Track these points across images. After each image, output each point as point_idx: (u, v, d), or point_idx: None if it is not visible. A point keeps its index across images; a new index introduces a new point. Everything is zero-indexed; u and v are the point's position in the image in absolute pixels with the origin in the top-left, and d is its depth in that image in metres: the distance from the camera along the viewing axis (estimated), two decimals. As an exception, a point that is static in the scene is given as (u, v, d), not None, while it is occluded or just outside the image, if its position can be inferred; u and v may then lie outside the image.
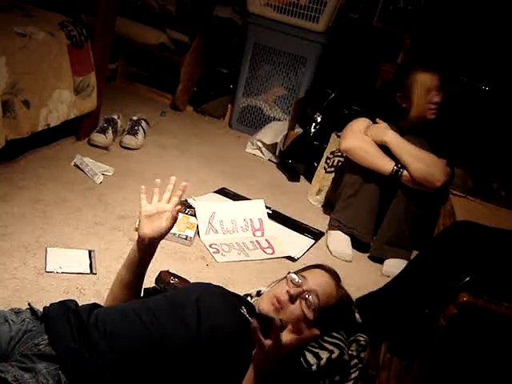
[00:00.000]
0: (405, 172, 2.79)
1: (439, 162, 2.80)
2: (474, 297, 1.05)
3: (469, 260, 1.15)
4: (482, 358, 1.07)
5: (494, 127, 3.63)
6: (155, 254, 2.44)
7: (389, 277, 2.79)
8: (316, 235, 3.02)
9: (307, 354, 1.83)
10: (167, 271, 2.30)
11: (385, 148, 2.85)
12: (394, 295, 1.34)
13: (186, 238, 2.60)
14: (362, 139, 2.88)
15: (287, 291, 1.72)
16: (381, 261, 2.92)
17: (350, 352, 1.92)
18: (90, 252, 2.33)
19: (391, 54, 4.06)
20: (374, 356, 1.59)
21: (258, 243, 2.78)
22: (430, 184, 2.77)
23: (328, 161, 3.44)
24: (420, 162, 2.77)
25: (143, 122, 3.64)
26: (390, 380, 1.35)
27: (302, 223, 3.11)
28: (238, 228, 2.83)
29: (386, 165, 2.82)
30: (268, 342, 1.33)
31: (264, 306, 1.72)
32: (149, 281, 2.12)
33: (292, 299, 1.71)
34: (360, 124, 2.97)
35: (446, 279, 1.13)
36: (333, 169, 3.35)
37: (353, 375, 1.87)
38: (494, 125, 3.65)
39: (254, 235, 2.84)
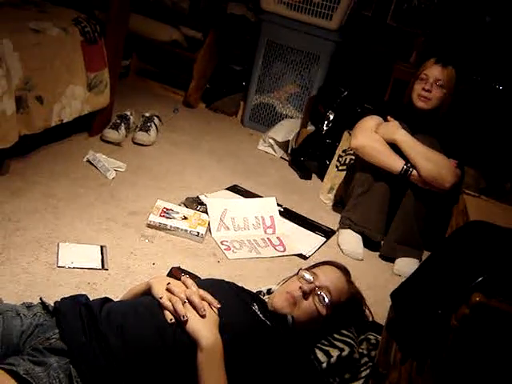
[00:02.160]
0: (414, 171, 2.77)
1: (449, 164, 2.78)
2: (486, 297, 1.04)
3: (482, 260, 1.14)
4: (495, 358, 1.06)
5: (507, 127, 3.61)
6: (167, 250, 2.46)
7: (400, 276, 2.79)
8: (327, 233, 3.02)
9: (317, 351, 1.83)
10: (178, 268, 2.30)
11: (395, 146, 2.84)
12: (407, 295, 1.34)
13: (197, 235, 2.60)
14: (373, 137, 2.87)
15: (300, 287, 1.73)
16: (392, 260, 2.91)
17: (360, 350, 1.92)
18: (101, 247, 2.34)
19: (404, 53, 4.05)
20: (385, 355, 1.59)
21: (270, 241, 2.78)
22: (439, 185, 2.76)
23: (340, 159, 3.44)
24: (430, 163, 2.75)
25: (156, 118, 3.65)
26: (400, 379, 1.35)
27: (313, 221, 3.10)
28: (249, 225, 2.83)
29: (396, 163, 2.81)
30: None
31: (277, 302, 1.73)
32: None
33: (305, 295, 1.72)
34: (370, 122, 2.96)
35: (458, 279, 1.12)
36: (345, 167, 3.35)
37: (363, 373, 1.87)
38: (507, 125, 3.63)
39: (266, 233, 2.84)
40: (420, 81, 2.90)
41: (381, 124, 2.93)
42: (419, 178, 2.77)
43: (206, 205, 2.83)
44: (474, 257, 1.17)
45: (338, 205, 3.34)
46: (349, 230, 2.96)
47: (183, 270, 2.30)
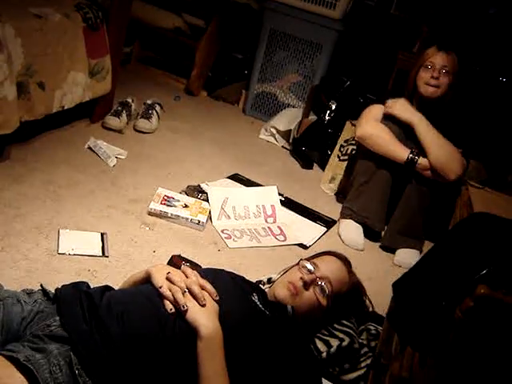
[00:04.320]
0: (420, 160, 2.76)
1: (459, 155, 2.76)
2: (491, 289, 1.04)
3: (486, 252, 1.14)
4: (499, 351, 1.06)
5: (510, 119, 3.60)
6: (167, 238, 2.46)
7: (400, 266, 2.79)
8: (328, 223, 3.01)
9: (317, 341, 1.84)
10: (179, 256, 2.30)
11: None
12: (410, 286, 1.34)
13: (198, 223, 2.60)
14: (378, 127, 2.86)
15: (301, 278, 1.73)
16: (392, 250, 2.91)
17: (360, 341, 1.92)
18: (102, 235, 2.34)
19: (408, 43, 4.02)
20: (386, 346, 1.59)
21: (270, 230, 2.78)
22: (445, 175, 2.74)
23: (342, 149, 3.43)
24: (441, 150, 2.73)
25: (157, 105, 3.63)
26: (402, 370, 1.35)
27: (314, 211, 3.10)
28: (250, 214, 2.83)
29: (402, 152, 2.80)
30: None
31: (280, 292, 1.72)
32: (160, 265, 2.12)
33: (306, 286, 1.72)
34: (375, 111, 2.95)
35: (463, 271, 1.12)
36: (346, 157, 3.34)
37: (363, 364, 1.88)
38: (509, 117, 3.61)
39: (266, 222, 2.84)
40: (426, 69, 2.88)
41: (393, 102, 2.90)
42: (426, 167, 2.76)
43: (206, 193, 2.83)
44: (478, 249, 1.17)
45: (339, 195, 3.34)
46: (349, 220, 2.96)
47: (184, 258, 2.30)
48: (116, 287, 1.70)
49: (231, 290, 1.63)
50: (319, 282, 1.73)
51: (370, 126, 2.88)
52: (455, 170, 2.73)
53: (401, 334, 1.39)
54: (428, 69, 2.87)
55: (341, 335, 1.85)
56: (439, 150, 2.74)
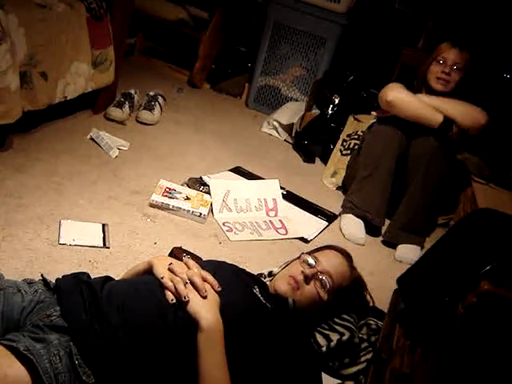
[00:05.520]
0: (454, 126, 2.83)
1: (473, 106, 2.86)
2: (494, 286, 1.04)
3: (490, 248, 1.14)
4: (501, 347, 1.06)
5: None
6: (168, 230, 2.46)
7: (401, 262, 2.79)
8: (329, 217, 3.01)
9: (317, 335, 1.83)
10: (180, 248, 2.29)
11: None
12: (414, 281, 1.33)
13: (199, 216, 2.59)
14: (406, 92, 2.91)
15: (302, 272, 1.72)
16: (394, 245, 2.91)
17: (360, 335, 1.92)
18: (103, 226, 2.33)
19: (412, 38, 4.01)
20: (387, 341, 1.59)
21: (272, 223, 2.78)
22: (476, 124, 2.83)
23: (344, 143, 3.43)
24: (463, 111, 2.82)
25: (160, 97, 3.63)
26: (402, 366, 1.35)
27: (315, 205, 3.09)
28: (251, 207, 2.83)
29: (436, 115, 2.84)
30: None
31: (280, 285, 1.72)
32: (161, 257, 2.11)
33: (307, 280, 1.71)
34: (398, 84, 3.00)
35: (466, 267, 1.12)
36: (349, 151, 3.34)
37: (362, 358, 1.88)
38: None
39: (268, 215, 2.83)
40: (438, 63, 2.91)
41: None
42: (458, 130, 2.83)
43: (208, 186, 2.82)
44: (482, 245, 1.16)
45: (342, 190, 3.33)
46: (351, 215, 2.95)
47: (185, 250, 2.29)
48: (117, 278, 1.69)
49: (233, 282, 1.63)
50: (320, 276, 1.73)
51: (399, 92, 2.91)
52: (481, 117, 2.83)
53: (405, 328, 1.38)
54: (440, 64, 2.90)
55: (341, 329, 1.85)
56: (458, 107, 2.83)
